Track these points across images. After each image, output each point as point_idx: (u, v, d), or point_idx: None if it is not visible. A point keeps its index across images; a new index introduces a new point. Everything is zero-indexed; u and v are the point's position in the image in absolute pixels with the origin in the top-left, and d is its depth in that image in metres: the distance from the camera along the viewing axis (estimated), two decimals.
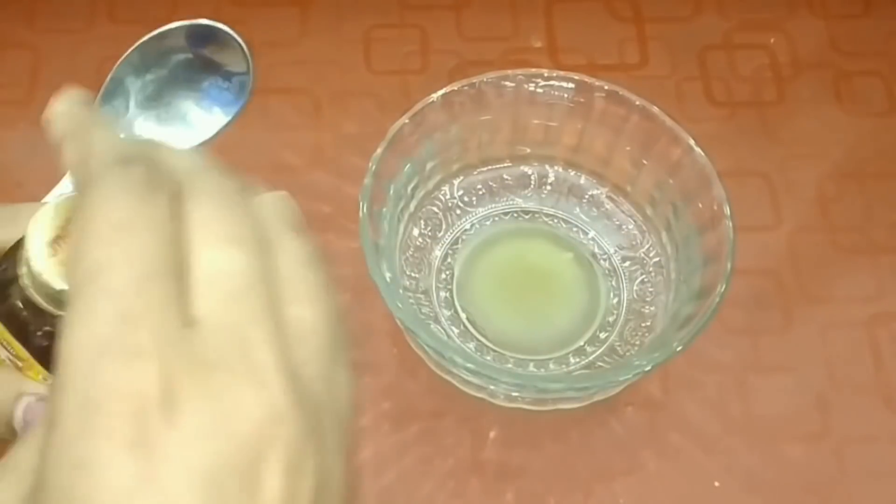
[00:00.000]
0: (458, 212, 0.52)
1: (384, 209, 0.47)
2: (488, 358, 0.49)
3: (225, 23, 0.60)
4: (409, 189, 0.50)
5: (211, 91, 0.41)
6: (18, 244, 0.30)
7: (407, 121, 0.47)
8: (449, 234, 0.52)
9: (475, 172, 0.53)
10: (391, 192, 0.48)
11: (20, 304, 0.30)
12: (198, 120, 0.42)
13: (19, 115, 0.56)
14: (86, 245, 0.23)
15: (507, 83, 0.49)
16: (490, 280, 0.51)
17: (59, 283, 0.29)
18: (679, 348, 0.43)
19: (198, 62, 0.40)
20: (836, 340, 0.52)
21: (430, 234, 0.52)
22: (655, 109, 0.48)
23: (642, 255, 0.51)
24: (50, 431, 0.22)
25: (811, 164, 0.57)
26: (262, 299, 0.24)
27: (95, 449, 0.21)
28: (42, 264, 0.29)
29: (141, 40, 0.35)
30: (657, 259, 0.51)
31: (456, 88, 0.48)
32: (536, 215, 0.53)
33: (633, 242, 0.52)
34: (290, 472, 0.23)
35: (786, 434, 0.49)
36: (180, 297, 0.23)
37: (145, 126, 0.37)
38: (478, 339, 0.49)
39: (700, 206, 0.47)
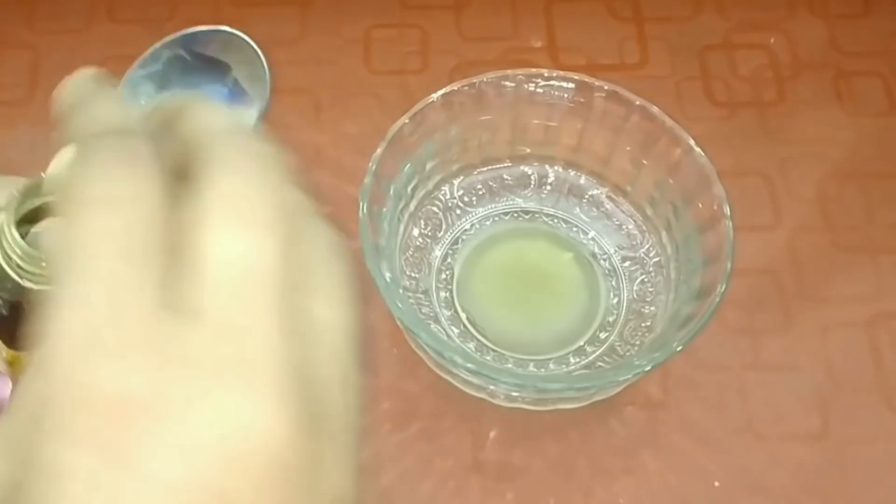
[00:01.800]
0: (458, 212, 0.52)
1: (384, 209, 0.47)
2: (488, 358, 0.49)
3: (225, 23, 0.60)
4: (409, 189, 0.50)
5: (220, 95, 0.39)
6: None
7: (407, 121, 0.47)
8: (449, 234, 0.52)
9: (475, 172, 0.53)
10: (391, 192, 0.48)
11: None
12: None
13: (19, 115, 0.56)
14: (67, 221, 0.21)
15: (507, 83, 0.49)
16: (490, 280, 0.51)
17: (30, 251, 0.28)
18: (679, 348, 0.43)
19: (206, 66, 0.38)
20: (836, 340, 0.52)
21: (430, 234, 0.52)
22: (655, 109, 0.48)
23: (642, 255, 0.51)
24: (24, 422, 0.20)
25: (811, 164, 0.57)
26: (278, 294, 0.21)
27: (69, 454, 0.19)
28: (13, 232, 0.28)
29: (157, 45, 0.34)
30: (657, 259, 0.51)
31: (456, 88, 0.48)
32: (536, 215, 0.53)
33: (633, 242, 0.52)
34: (287, 498, 0.20)
35: (786, 434, 0.49)
36: (174, 285, 0.21)
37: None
38: (478, 339, 0.49)
39: (700, 206, 0.47)
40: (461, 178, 0.53)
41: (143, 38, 0.60)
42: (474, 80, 0.49)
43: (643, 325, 0.49)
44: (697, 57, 0.60)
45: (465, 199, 0.53)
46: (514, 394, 0.47)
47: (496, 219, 0.53)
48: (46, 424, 0.20)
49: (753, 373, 0.51)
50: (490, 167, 0.53)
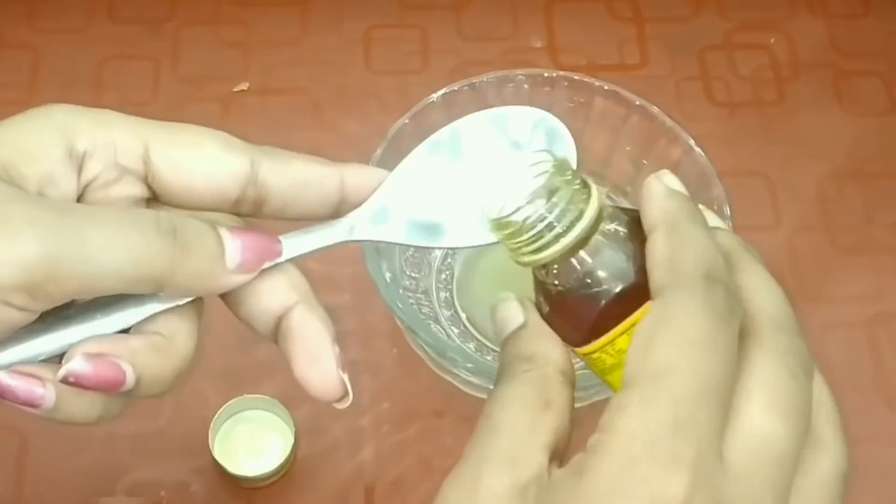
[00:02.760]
0: None
1: None
2: (488, 358, 0.49)
3: (225, 22, 0.60)
4: None
5: None
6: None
7: (407, 121, 0.47)
8: None
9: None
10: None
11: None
12: None
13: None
14: (659, 346, 0.25)
15: (507, 83, 0.49)
16: (490, 280, 0.51)
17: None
18: None
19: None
20: (835, 340, 0.52)
21: None
22: (655, 109, 0.48)
23: None
24: (576, 479, 0.25)
25: (811, 164, 0.57)
26: (784, 477, 0.26)
27: None
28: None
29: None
30: None
31: (456, 88, 0.48)
32: None
33: None
34: None
35: None
36: (723, 427, 0.25)
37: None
38: (478, 339, 0.49)
39: (700, 206, 0.47)
40: None
41: (143, 37, 0.60)
42: (474, 80, 0.49)
43: None
44: (697, 57, 0.60)
45: None
46: None
47: None
48: (593, 489, 0.24)
49: None
50: None
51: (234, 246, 0.29)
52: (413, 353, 0.49)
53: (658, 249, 0.28)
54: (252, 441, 0.47)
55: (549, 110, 0.35)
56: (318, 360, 0.30)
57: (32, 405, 0.26)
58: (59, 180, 0.28)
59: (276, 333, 0.30)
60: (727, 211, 0.46)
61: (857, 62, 0.60)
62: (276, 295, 0.30)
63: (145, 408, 0.48)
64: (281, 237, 0.30)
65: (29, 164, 0.27)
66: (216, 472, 0.46)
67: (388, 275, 0.45)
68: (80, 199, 0.29)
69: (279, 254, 0.30)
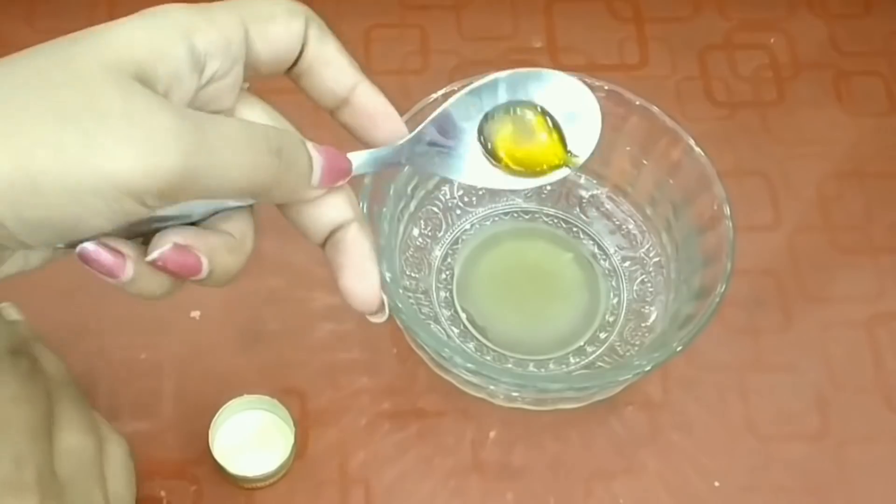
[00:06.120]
0: (458, 212, 0.52)
1: (384, 209, 0.47)
2: (488, 358, 0.49)
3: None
4: (409, 189, 0.50)
5: None
6: None
7: (407, 121, 0.47)
8: (449, 234, 0.52)
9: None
10: (391, 192, 0.48)
11: None
12: None
13: None
14: None
15: None
16: (490, 280, 0.51)
17: None
18: (679, 348, 0.43)
19: None
20: (836, 340, 0.52)
21: (430, 234, 0.52)
22: (655, 109, 0.48)
23: (642, 255, 0.51)
24: None
25: (811, 164, 0.57)
26: (97, 468, 0.38)
27: None
28: None
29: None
30: (657, 259, 0.51)
31: (456, 88, 0.48)
32: (536, 215, 0.53)
33: (633, 242, 0.52)
34: None
35: (786, 434, 0.49)
36: (50, 451, 0.36)
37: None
38: (478, 339, 0.49)
39: (700, 206, 0.47)
40: None
41: None
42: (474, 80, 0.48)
43: (643, 325, 0.49)
44: (697, 57, 0.60)
45: (466, 199, 0.53)
46: (514, 394, 0.47)
47: (496, 219, 0.53)
48: None
49: (753, 373, 0.51)
50: None
51: (318, 163, 0.32)
52: (413, 353, 0.49)
53: None
54: (252, 441, 0.47)
55: None
56: (365, 277, 0.33)
57: (113, 276, 0.29)
58: (184, 79, 0.29)
59: (326, 243, 0.33)
60: (727, 211, 0.46)
61: (857, 62, 0.60)
62: (337, 210, 0.33)
63: (145, 408, 0.48)
64: (348, 154, 0.33)
65: (160, 64, 0.28)
66: (216, 472, 0.46)
67: (388, 275, 0.45)
68: (196, 94, 0.30)
69: (349, 172, 0.33)
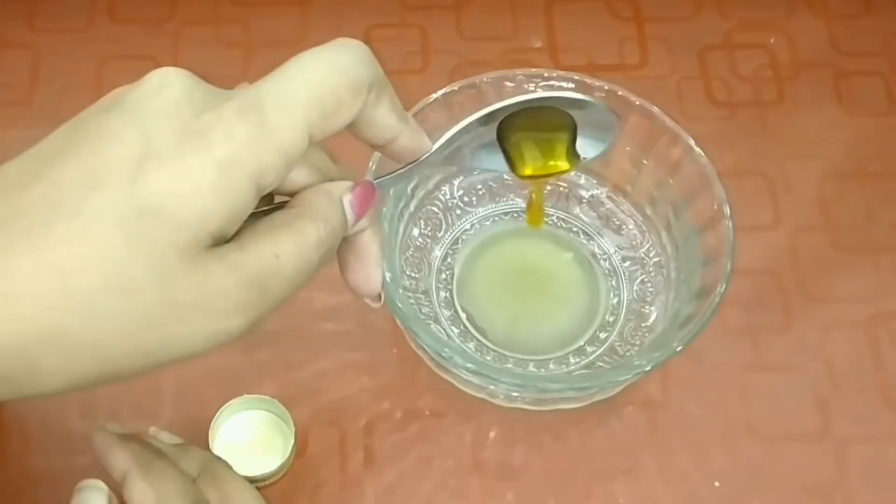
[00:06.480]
0: (458, 212, 0.52)
1: (384, 209, 0.47)
2: (488, 358, 0.49)
3: (225, 22, 0.60)
4: (409, 189, 0.50)
5: None
6: None
7: None
8: (449, 234, 0.52)
9: (475, 172, 0.53)
10: (391, 192, 0.48)
11: None
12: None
13: (19, 114, 0.56)
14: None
15: (507, 83, 0.49)
16: (490, 280, 0.51)
17: None
18: (679, 348, 0.43)
19: None
20: (836, 340, 0.52)
21: (430, 234, 0.52)
22: (655, 109, 0.48)
23: (642, 255, 0.51)
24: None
25: (811, 164, 0.57)
26: None
27: None
28: None
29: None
30: (657, 259, 0.51)
31: (456, 88, 0.48)
32: None
33: (633, 242, 0.52)
34: None
35: (786, 434, 0.49)
36: None
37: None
38: (478, 339, 0.49)
39: (700, 206, 0.47)
40: (461, 178, 0.53)
41: (143, 37, 0.60)
42: (474, 80, 0.49)
43: (643, 325, 0.49)
44: (697, 57, 0.60)
45: (465, 199, 0.53)
46: (514, 394, 0.47)
47: (496, 219, 0.53)
48: None
49: (753, 373, 0.51)
50: None
51: (351, 212, 0.32)
52: (413, 353, 0.49)
53: (137, 489, 0.38)
54: (252, 441, 0.47)
55: None
56: (370, 277, 0.35)
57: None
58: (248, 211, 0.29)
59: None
60: (727, 211, 0.46)
61: (857, 62, 0.60)
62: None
63: (145, 407, 0.48)
64: (371, 179, 0.34)
65: (234, 225, 0.28)
66: None
67: (388, 275, 0.45)
68: None
69: (376, 197, 0.34)
